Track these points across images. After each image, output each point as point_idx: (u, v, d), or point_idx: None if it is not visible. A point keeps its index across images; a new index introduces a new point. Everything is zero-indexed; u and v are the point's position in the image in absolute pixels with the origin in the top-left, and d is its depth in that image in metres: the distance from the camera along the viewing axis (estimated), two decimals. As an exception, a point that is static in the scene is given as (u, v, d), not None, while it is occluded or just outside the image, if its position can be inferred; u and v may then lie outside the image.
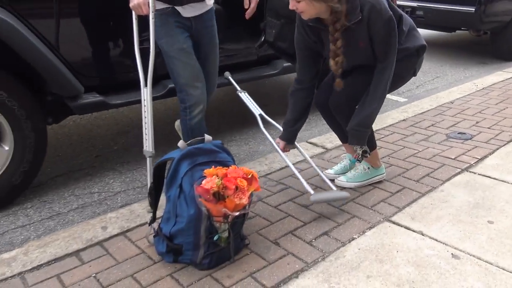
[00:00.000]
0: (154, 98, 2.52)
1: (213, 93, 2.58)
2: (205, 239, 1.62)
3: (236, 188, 1.55)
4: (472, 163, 2.57)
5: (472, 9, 5.27)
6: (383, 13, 1.86)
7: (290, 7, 1.91)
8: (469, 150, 2.75)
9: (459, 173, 2.45)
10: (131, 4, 2.03)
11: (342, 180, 2.32)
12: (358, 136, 2.07)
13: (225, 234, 1.65)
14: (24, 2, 2.22)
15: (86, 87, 2.48)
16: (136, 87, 2.53)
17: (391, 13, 1.89)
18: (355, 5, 1.85)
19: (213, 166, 1.63)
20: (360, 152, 2.11)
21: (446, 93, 4.06)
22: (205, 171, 1.61)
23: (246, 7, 2.26)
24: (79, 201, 2.45)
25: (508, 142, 2.86)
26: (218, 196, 1.55)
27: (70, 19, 2.42)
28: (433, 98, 3.93)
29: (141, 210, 2.11)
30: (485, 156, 2.66)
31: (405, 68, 2.11)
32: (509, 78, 4.56)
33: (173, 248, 1.65)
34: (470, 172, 2.47)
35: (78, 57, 2.47)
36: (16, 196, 2.38)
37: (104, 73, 2.62)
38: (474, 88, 4.19)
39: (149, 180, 2.09)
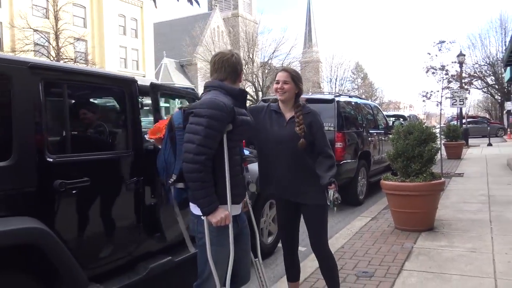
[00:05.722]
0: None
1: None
2: None
3: None
4: (386, 295, 3.56)
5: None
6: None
7: (279, 87, 2.83)
8: (377, 285, 3.75)
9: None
10: (214, 221, 2.26)
11: None
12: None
13: None
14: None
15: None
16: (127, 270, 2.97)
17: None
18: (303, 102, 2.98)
19: None
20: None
21: (334, 240, 5.23)
22: None
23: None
24: None
25: (398, 274, 4.00)
26: None
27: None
28: (328, 245, 5.03)
29: None
30: (390, 288, 3.70)
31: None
32: (368, 222, 6.09)
33: None
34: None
35: (84, 251, 2.79)
36: None
37: (104, 262, 2.94)
38: (350, 233, 5.50)
39: None
